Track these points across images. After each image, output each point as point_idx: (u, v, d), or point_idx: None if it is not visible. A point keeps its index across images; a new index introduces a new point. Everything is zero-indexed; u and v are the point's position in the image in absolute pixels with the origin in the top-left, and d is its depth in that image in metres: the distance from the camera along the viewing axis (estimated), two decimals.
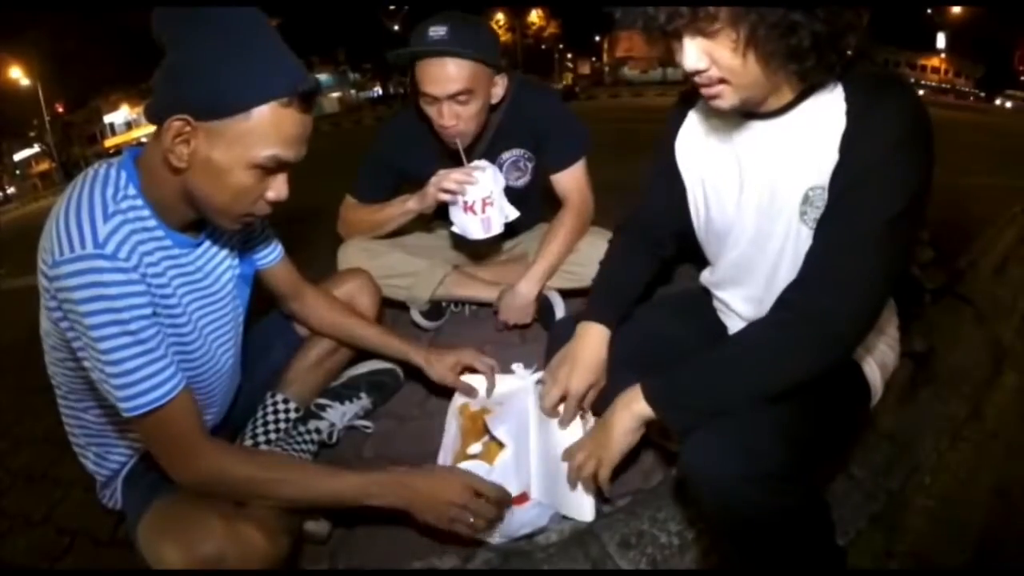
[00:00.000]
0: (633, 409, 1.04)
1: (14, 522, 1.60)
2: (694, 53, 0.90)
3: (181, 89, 0.91)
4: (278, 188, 1.00)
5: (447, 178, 1.64)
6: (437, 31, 1.54)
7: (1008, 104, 27.59)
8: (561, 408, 1.28)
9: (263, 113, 0.92)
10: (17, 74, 26.17)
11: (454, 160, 1.81)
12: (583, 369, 1.24)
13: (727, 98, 0.94)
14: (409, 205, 1.78)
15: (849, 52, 0.90)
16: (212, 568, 0.94)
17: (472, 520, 1.11)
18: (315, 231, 2.21)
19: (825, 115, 0.95)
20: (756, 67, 0.89)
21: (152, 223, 1.01)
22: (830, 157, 0.94)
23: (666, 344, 1.27)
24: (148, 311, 0.94)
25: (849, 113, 0.93)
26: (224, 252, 1.18)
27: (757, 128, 1.04)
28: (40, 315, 1.05)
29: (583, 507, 1.23)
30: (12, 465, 1.84)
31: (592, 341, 1.26)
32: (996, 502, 1.39)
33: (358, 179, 1.93)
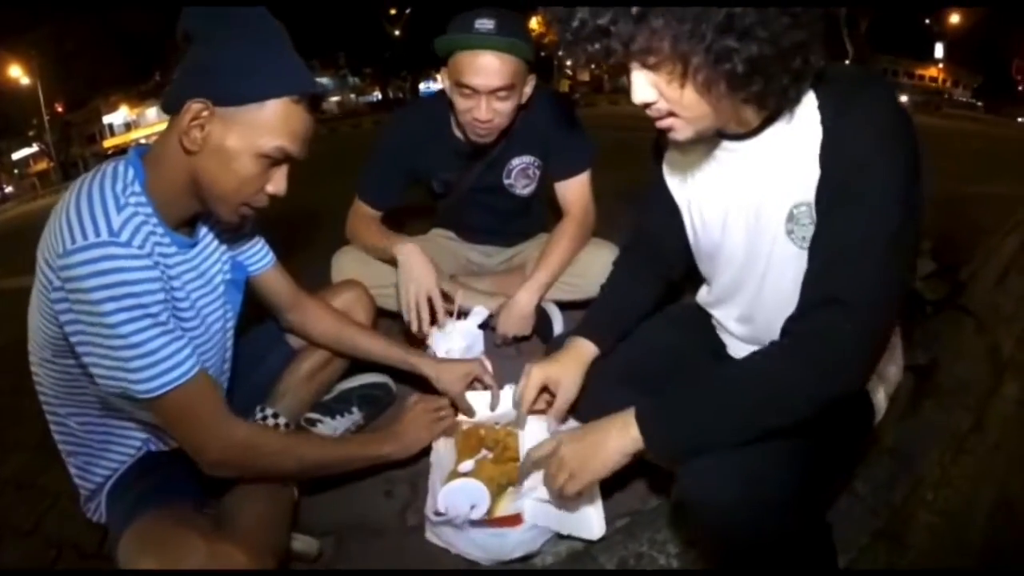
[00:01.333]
0: (632, 436, 0.95)
1: (3, 532, 1.57)
2: (640, 85, 0.87)
3: (204, 77, 0.97)
4: (278, 182, 1.05)
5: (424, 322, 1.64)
6: (484, 23, 1.52)
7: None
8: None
9: (276, 106, 0.98)
10: (17, 73, 26.13)
11: (466, 159, 1.79)
12: (561, 387, 1.23)
13: (680, 130, 0.92)
14: (393, 252, 1.71)
15: (805, 70, 0.84)
16: None
17: (444, 415, 1.39)
18: (312, 235, 2.18)
19: (800, 127, 0.92)
20: (696, 97, 0.85)
21: (154, 220, 1.03)
22: (812, 172, 0.90)
23: (664, 358, 1.25)
24: (162, 296, 0.97)
25: (823, 122, 0.89)
26: (215, 256, 1.20)
27: (737, 149, 1.01)
28: (30, 313, 1.05)
29: (591, 525, 1.19)
30: (3, 472, 1.81)
31: (574, 358, 1.24)
32: (999, 515, 1.37)
33: (363, 179, 1.86)
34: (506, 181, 1.84)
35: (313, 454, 1.19)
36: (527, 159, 1.82)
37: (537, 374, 1.23)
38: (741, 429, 0.87)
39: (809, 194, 0.91)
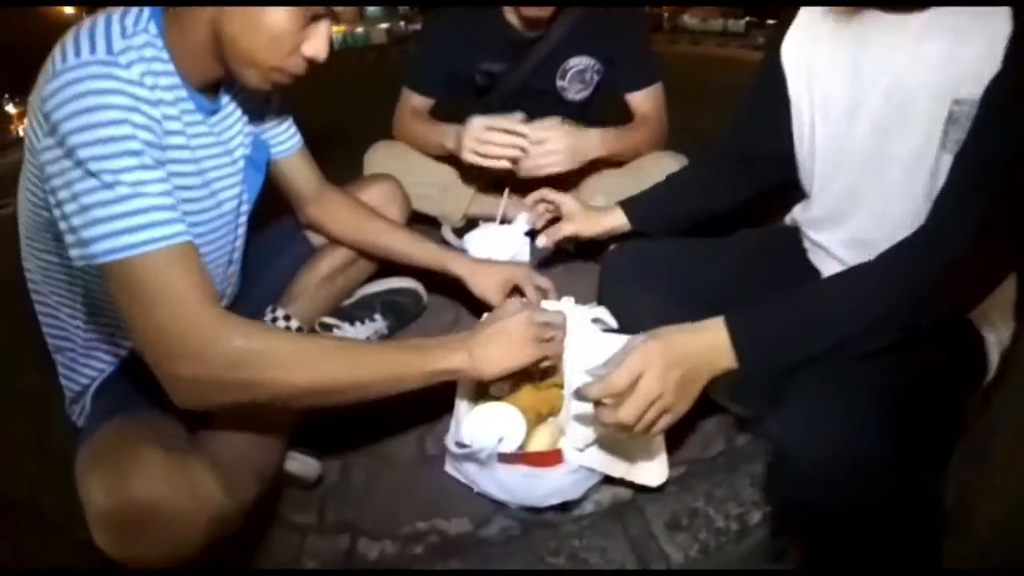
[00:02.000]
0: (722, 364, 0.80)
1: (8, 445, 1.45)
2: None
3: None
4: (316, 42, 0.88)
5: (487, 139, 1.43)
6: None
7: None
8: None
9: None
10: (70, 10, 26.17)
11: (519, 50, 1.65)
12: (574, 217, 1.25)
13: None
14: (447, 145, 1.57)
15: None
16: (147, 515, 0.74)
17: (554, 342, 1.00)
18: (354, 158, 2.00)
19: (983, 13, 0.75)
20: None
21: (171, 67, 0.86)
22: (989, 65, 0.73)
23: (733, 286, 1.08)
24: (156, 139, 0.79)
25: (1018, 14, 0.72)
26: (237, 127, 1.02)
27: (889, 24, 0.84)
28: (19, 183, 0.90)
29: (652, 468, 1.00)
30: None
31: (600, 213, 1.26)
32: None
33: (413, 68, 1.74)
34: (559, 83, 1.68)
35: (339, 367, 0.82)
36: (586, 60, 1.66)
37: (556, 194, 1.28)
38: (829, 340, 0.77)
39: (977, 90, 0.75)
